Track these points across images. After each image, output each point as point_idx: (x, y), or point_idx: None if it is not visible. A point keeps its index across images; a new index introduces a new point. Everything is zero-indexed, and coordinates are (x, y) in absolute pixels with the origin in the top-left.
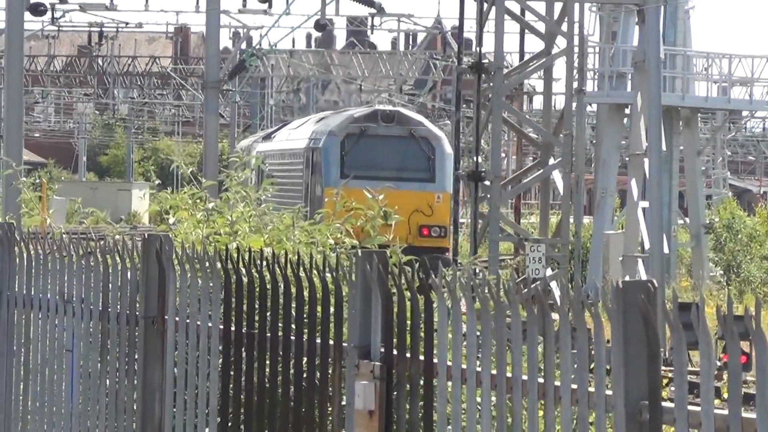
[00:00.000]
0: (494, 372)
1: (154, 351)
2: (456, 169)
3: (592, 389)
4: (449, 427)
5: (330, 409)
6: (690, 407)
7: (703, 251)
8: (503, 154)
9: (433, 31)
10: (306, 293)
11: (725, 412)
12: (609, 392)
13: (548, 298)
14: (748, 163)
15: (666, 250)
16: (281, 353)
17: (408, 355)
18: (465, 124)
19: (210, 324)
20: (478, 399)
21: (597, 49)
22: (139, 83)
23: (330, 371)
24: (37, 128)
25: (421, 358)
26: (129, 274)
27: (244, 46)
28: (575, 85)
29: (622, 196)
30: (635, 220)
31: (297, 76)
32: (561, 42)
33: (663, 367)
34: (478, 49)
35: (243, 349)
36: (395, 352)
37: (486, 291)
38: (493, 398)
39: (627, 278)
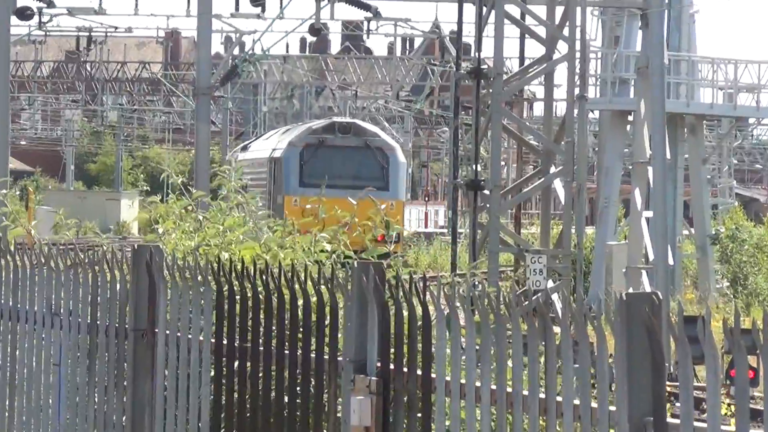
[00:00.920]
0: (494, 387)
1: (144, 365)
2: (455, 178)
3: (594, 405)
4: None
5: (325, 424)
6: (696, 424)
7: (709, 262)
8: (503, 163)
9: (430, 36)
10: (300, 304)
11: (732, 429)
12: (612, 408)
13: (550, 311)
14: (755, 172)
15: (671, 261)
16: (275, 367)
17: (405, 369)
18: (464, 132)
19: (201, 337)
20: (478, 415)
21: (599, 55)
22: (128, 89)
23: (325, 386)
24: (24, 136)
25: (419, 372)
26: (118, 285)
27: (236, 51)
28: (577, 91)
29: (625, 206)
30: (639, 230)
31: (291, 82)
32: (562, 47)
33: (668, 383)
34: (477, 54)
35: (235, 362)
36: (392, 366)
37: (486, 303)
38: (493, 414)
39: (630, 290)
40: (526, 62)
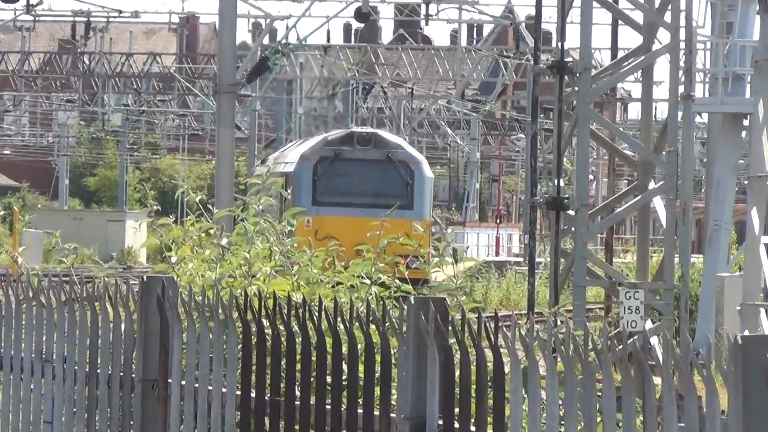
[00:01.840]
0: None
1: (155, 422)
2: (532, 195)
3: None
4: None
5: None
6: None
7: None
8: (591, 177)
9: (503, 22)
10: (345, 350)
11: None
12: None
13: (648, 358)
14: None
15: None
16: (314, 425)
17: (473, 429)
18: (543, 139)
19: (225, 389)
20: None
21: (708, 45)
22: (135, 87)
23: None
24: (8, 143)
25: None
26: (123, 326)
27: (266, 40)
28: (681, 89)
29: (739, 229)
30: (756, 259)
31: (332, 78)
32: (663, 36)
33: None
34: (559, 44)
35: (266, 419)
36: (457, 425)
37: (570, 348)
38: None
39: (747, 332)
40: (620, 54)
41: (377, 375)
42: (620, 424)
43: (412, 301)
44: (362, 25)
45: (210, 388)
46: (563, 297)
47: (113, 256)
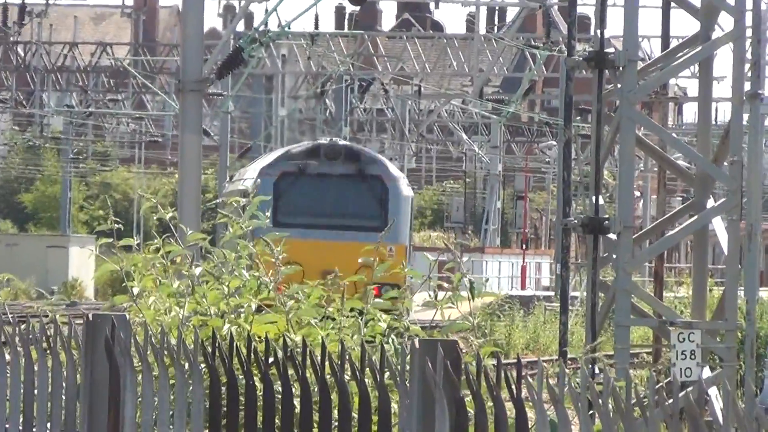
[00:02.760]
0: None
1: None
2: (565, 216)
3: None
4: None
5: None
6: None
7: None
8: (637, 193)
9: (530, 5)
10: (336, 405)
11: None
12: None
13: (705, 413)
14: None
15: None
16: None
17: None
18: (579, 147)
19: None
20: None
21: None
22: (80, 84)
23: None
24: None
25: None
26: (65, 374)
27: (240, 27)
28: (747, 87)
29: None
30: None
31: (322, 73)
32: (725, 21)
33: None
34: (599, 31)
35: None
36: None
37: (610, 402)
38: None
39: None
40: (672, 44)
41: None
42: None
43: (417, 344)
44: (358, 7)
45: None
46: (603, 339)
47: (55, 290)
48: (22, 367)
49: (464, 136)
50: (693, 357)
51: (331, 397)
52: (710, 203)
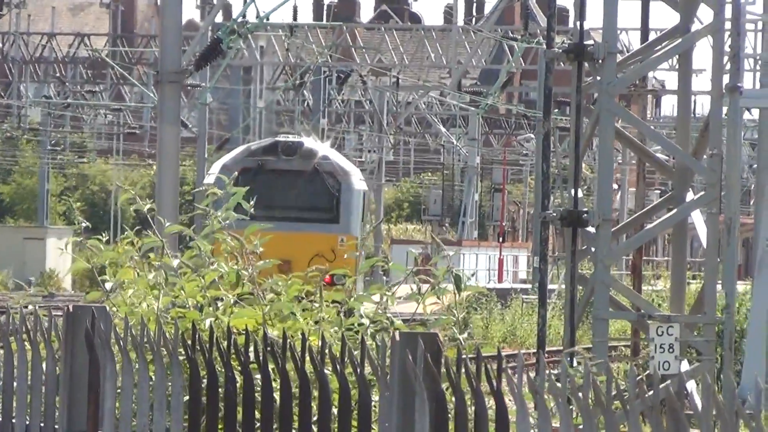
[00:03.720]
0: None
1: None
2: (543, 209)
3: None
4: None
5: None
6: None
7: None
8: (615, 186)
9: None
10: (315, 397)
11: None
12: None
13: (685, 406)
14: None
15: None
16: None
17: None
18: (557, 139)
19: None
20: None
21: (760, 26)
22: (58, 75)
23: None
24: None
25: None
26: (44, 367)
27: (219, 18)
28: (726, 80)
29: None
30: None
31: (300, 65)
32: (705, 14)
33: None
34: (578, 23)
35: None
36: None
37: (590, 395)
38: None
39: None
40: (651, 37)
41: (354, 427)
42: None
43: (397, 337)
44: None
45: None
46: (581, 332)
47: (32, 282)
48: (1, 358)
49: (442, 128)
50: (672, 350)
51: (312, 390)
52: (689, 196)
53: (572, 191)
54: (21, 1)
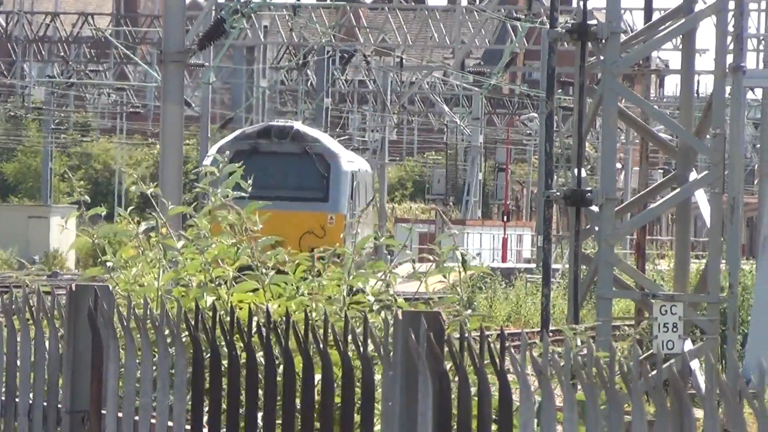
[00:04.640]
0: None
1: None
2: (547, 188)
3: None
4: None
5: None
6: None
7: None
8: (619, 165)
9: None
10: (318, 377)
11: None
12: None
13: (688, 386)
14: None
15: None
16: None
17: None
18: (561, 119)
19: (171, 422)
20: None
21: (763, 5)
22: (62, 54)
23: None
24: None
25: None
26: (48, 345)
27: None
28: (730, 59)
29: None
30: None
31: (304, 45)
32: None
33: None
34: (581, 3)
35: None
36: None
37: (593, 374)
38: None
39: None
40: (655, 16)
41: (357, 407)
42: None
43: (400, 316)
44: None
45: (153, 420)
46: (585, 312)
47: (36, 260)
48: (4, 337)
49: (446, 108)
50: (675, 330)
51: (314, 368)
52: (692, 176)
53: (576, 171)
54: None
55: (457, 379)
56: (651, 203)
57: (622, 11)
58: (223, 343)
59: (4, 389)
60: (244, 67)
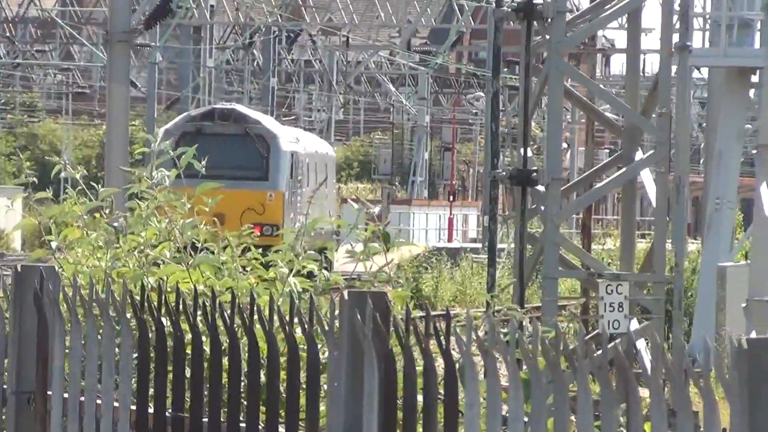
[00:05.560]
0: None
1: None
2: (493, 168)
3: None
4: None
5: None
6: None
7: None
8: (565, 145)
9: None
10: (264, 355)
11: None
12: None
13: (634, 365)
14: None
15: None
16: None
17: None
18: (507, 98)
19: (117, 403)
20: None
21: None
22: (7, 35)
23: None
24: None
25: None
26: None
27: None
28: (676, 38)
29: (746, 209)
30: (766, 245)
31: (250, 24)
32: None
33: None
34: None
35: None
36: None
37: (539, 353)
38: None
39: (754, 333)
40: None
41: (302, 387)
42: None
43: (346, 296)
44: None
45: (99, 401)
46: (531, 291)
47: None
48: None
49: (392, 88)
50: (621, 309)
51: (259, 349)
52: (638, 155)
53: (522, 150)
54: None
55: (402, 359)
56: (597, 183)
57: None
58: (168, 323)
59: None
60: (190, 47)
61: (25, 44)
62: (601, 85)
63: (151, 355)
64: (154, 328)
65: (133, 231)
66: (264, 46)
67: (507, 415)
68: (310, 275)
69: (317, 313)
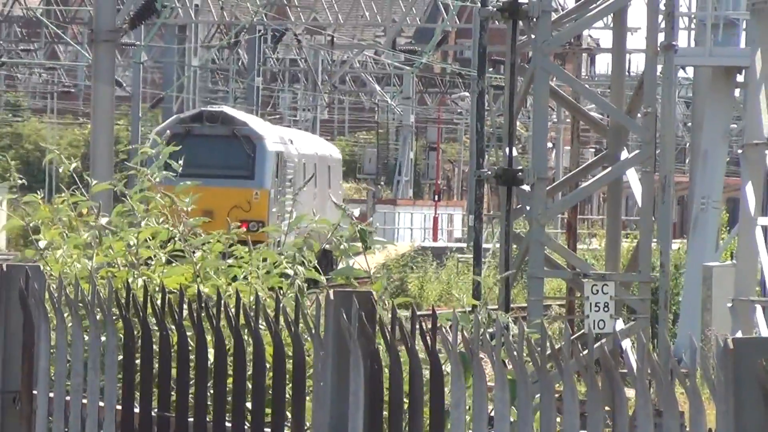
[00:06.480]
0: None
1: None
2: (478, 167)
3: None
4: None
5: None
6: None
7: None
8: (550, 144)
9: None
10: (250, 355)
11: None
12: None
13: (619, 365)
14: None
15: None
16: None
17: None
18: (492, 98)
19: (102, 403)
20: None
21: None
22: None
23: None
24: None
25: None
26: None
27: None
28: (661, 38)
29: (731, 209)
30: (752, 244)
31: (235, 24)
32: None
33: None
34: None
35: None
36: None
37: (524, 353)
38: None
39: (739, 333)
40: None
41: (288, 387)
42: None
43: (332, 295)
44: None
45: (85, 401)
46: (516, 291)
47: None
48: None
49: (377, 87)
50: (606, 309)
51: (246, 348)
52: (624, 155)
53: (507, 150)
54: None
55: (387, 358)
56: (582, 182)
57: None
58: (154, 322)
59: None
60: (175, 46)
61: (10, 43)
62: (587, 85)
63: (137, 354)
64: (139, 328)
65: (122, 230)
66: (249, 45)
67: (493, 414)
68: (285, 275)
69: (303, 312)
